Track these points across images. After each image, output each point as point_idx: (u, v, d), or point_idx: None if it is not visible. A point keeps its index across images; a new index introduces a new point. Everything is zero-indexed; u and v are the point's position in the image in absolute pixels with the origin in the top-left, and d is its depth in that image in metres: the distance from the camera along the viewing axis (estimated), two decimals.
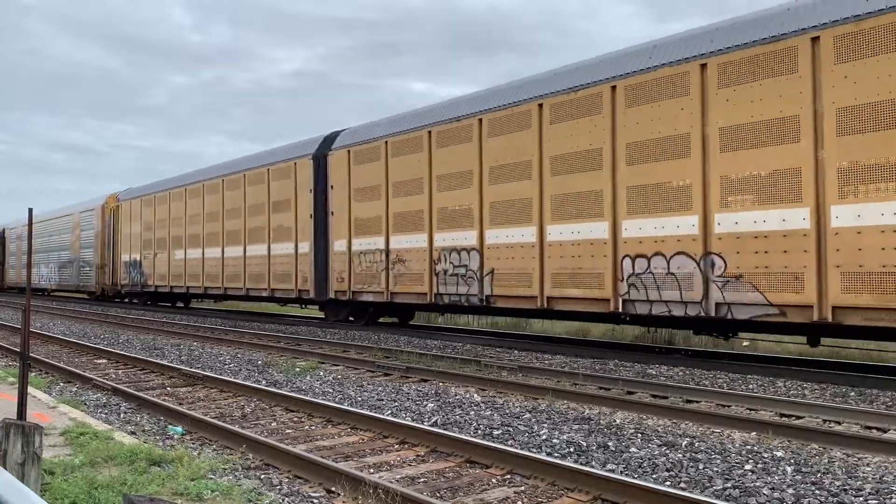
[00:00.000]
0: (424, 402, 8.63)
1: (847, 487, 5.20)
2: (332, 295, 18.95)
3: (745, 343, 14.88)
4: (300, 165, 20.32)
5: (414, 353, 12.80)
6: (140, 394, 8.90)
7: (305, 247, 19.88)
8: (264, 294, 21.86)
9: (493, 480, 5.56)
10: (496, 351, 13.57)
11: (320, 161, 19.47)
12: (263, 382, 10.07)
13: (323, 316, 21.06)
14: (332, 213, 18.86)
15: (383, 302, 17.36)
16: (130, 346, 14.81)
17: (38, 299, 38.40)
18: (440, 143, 15.71)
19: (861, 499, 4.98)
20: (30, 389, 7.01)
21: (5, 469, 3.63)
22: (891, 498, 5.00)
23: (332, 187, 18.91)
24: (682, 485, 5.35)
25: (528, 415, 7.84)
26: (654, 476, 5.56)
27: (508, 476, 5.63)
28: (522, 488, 5.34)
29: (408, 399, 8.87)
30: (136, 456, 5.67)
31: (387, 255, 16.97)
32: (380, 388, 9.65)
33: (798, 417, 7.70)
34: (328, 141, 19.64)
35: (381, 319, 19.84)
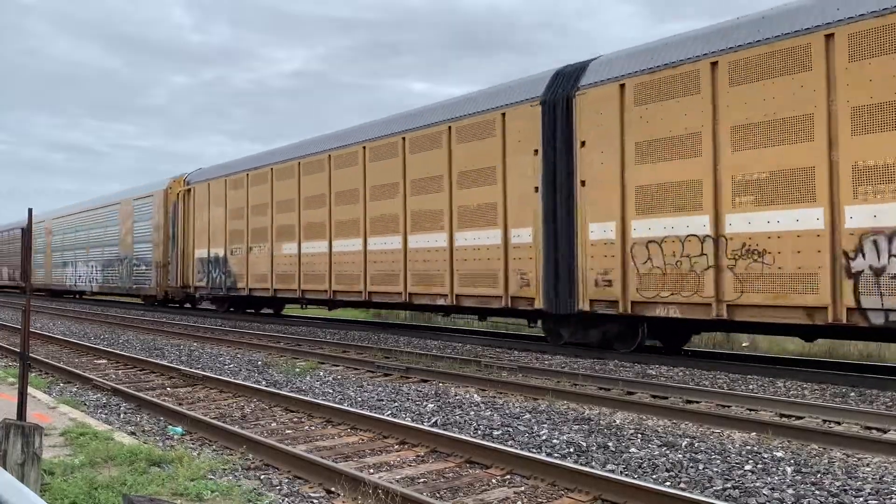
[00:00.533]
0: (424, 403, 8.63)
1: (847, 487, 5.20)
2: (582, 306, 12.43)
3: (745, 343, 14.89)
4: (514, 117, 13.81)
5: (414, 354, 12.81)
6: (140, 394, 8.90)
7: (525, 234, 13.50)
8: (441, 302, 15.28)
9: (493, 481, 5.56)
10: (496, 351, 13.57)
11: (557, 107, 13.02)
12: (263, 383, 10.07)
13: (544, 335, 14.27)
14: (584, 182, 12.44)
15: (711, 319, 10.91)
16: (130, 347, 14.81)
17: (39, 300, 37.73)
18: (862, 51, 9.32)
19: (861, 499, 4.98)
20: (30, 390, 7.01)
21: (5, 469, 3.63)
22: (891, 498, 5.00)
23: (582, 144, 12.52)
24: (682, 485, 5.35)
25: (528, 415, 7.84)
26: (654, 476, 5.56)
27: (508, 476, 5.63)
28: (522, 488, 5.34)
29: (408, 399, 8.88)
30: (135, 456, 5.68)
31: (715, 244, 10.70)
32: (380, 389, 9.65)
33: (798, 418, 7.70)
34: (568, 77, 13.16)
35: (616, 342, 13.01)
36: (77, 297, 40.00)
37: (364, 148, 17.57)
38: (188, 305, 28.66)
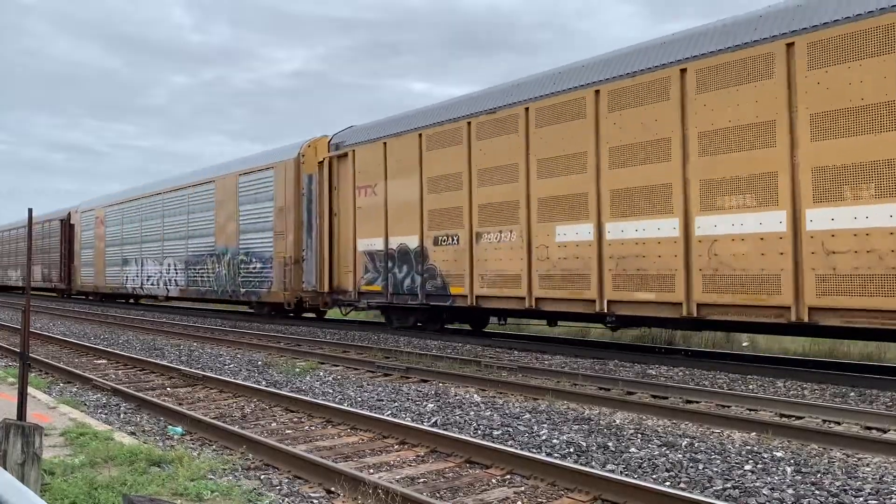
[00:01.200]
0: (424, 403, 8.63)
1: (847, 487, 5.20)
2: None
3: (744, 343, 14.88)
4: None
5: (414, 354, 12.81)
6: (140, 394, 8.91)
7: None
8: None
9: (493, 481, 5.56)
10: (496, 351, 13.57)
11: None
12: (263, 383, 10.07)
13: None
14: None
15: None
16: (130, 347, 14.82)
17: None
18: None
19: (861, 499, 4.98)
20: (30, 390, 7.01)
21: (5, 469, 3.63)
22: (891, 498, 5.00)
23: None
24: (682, 485, 5.35)
25: (527, 415, 7.84)
26: (654, 476, 5.56)
27: (508, 476, 5.63)
28: (522, 488, 5.35)
29: (408, 399, 8.88)
30: (135, 456, 5.68)
31: None
32: (380, 389, 9.65)
33: (798, 417, 7.70)
34: None
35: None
36: (131, 301, 32.43)
37: (793, 44, 9.97)
38: (309, 314, 21.52)
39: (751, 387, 9.44)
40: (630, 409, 8.18)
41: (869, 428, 7.21)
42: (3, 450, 4.14)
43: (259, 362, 12.35)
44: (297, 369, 11.41)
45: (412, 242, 16.03)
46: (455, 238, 14.97)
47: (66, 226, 36.05)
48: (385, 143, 16.89)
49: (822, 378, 9.86)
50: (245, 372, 11.31)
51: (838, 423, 7.44)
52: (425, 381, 10.45)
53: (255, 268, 21.66)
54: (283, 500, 5.03)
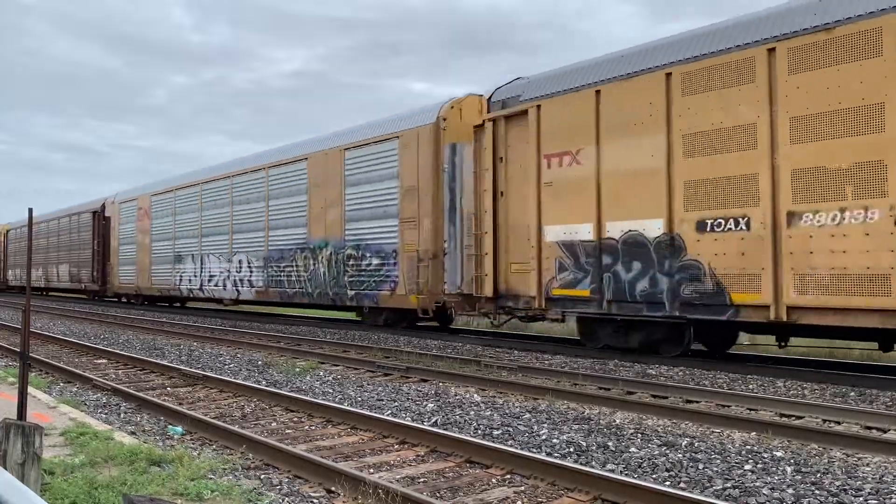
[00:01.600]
0: (424, 402, 8.63)
1: (847, 487, 5.20)
2: None
3: (744, 343, 14.87)
4: None
5: (414, 353, 12.81)
6: (140, 394, 8.91)
7: None
8: None
9: (493, 480, 5.56)
10: (496, 351, 13.57)
11: None
12: (263, 382, 10.07)
13: None
14: None
15: None
16: (130, 347, 14.82)
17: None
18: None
19: (861, 499, 4.98)
20: (30, 389, 7.01)
21: (5, 469, 3.63)
22: (891, 498, 5.00)
23: None
24: (682, 485, 5.35)
25: (528, 415, 7.84)
26: (653, 476, 5.56)
27: (508, 476, 5.63)
28: (522, 488, 5.35)
29: (408, 399, 8.88)
30: (136, 456, 5.68)
31: None
32: (380, 388, 9.66)
33: (798, 417, 7.70)
34: None
35: None
36: (173, 305, 28.29)
37: None
38: (429, 322, 17.25)
39: (751, 387, 9.45)
40: (630, 409, 8.18)
41: (869, 428, 7.22)
42: (3, 449, 4.14)
43: (259, 362, 12.35)
44: (297, 369, 11.41)
45: (652, 229, 11.51)
46: (742, 221, 10.42)
47: (100, 219, 31.16)
48: (598, 91, 12.24)
49: (822, 378, 9.87)
50: (245, 372, 11.31)
51: (838, 423, 7.44)
52: (425, 381, 10.45)
53: (369, 264, 17.31)
54: (283, 500, 5.03)
